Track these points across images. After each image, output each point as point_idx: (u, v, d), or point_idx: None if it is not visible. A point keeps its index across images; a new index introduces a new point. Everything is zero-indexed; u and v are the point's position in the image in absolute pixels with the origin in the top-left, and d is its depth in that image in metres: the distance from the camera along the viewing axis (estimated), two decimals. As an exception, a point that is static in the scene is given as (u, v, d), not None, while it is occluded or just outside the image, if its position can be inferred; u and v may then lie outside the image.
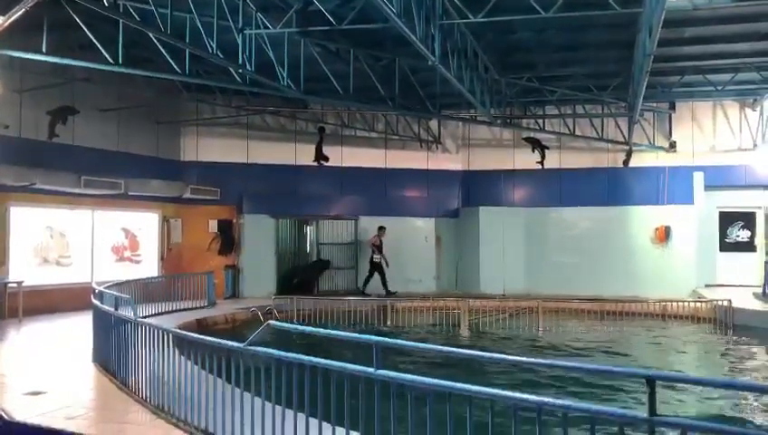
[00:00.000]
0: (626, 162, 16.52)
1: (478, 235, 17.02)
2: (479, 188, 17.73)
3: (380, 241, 15.85)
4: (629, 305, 13.26)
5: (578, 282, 16.31)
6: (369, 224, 16.88)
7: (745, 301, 13.43)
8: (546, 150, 16.71)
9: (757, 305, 12.90)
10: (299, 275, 16.06)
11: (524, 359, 3.68)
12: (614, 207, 16.66)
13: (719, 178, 16.15)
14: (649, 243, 16.24)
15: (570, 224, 17.02)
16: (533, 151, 16.75)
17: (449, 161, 17.95)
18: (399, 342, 4.17)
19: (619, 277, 16.08)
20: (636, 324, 12.67)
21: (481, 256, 16.93)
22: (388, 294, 15.33)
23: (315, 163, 16.27)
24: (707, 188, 16.21)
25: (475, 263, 16.96)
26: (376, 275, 15.65)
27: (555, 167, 17.17)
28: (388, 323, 12.81)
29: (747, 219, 16.71)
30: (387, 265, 15.64)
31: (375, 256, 15.76)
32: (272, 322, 4.80)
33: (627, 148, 16.42)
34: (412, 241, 17.02)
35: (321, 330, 4.66)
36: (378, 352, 3.92)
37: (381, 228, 16.00)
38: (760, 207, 16.58)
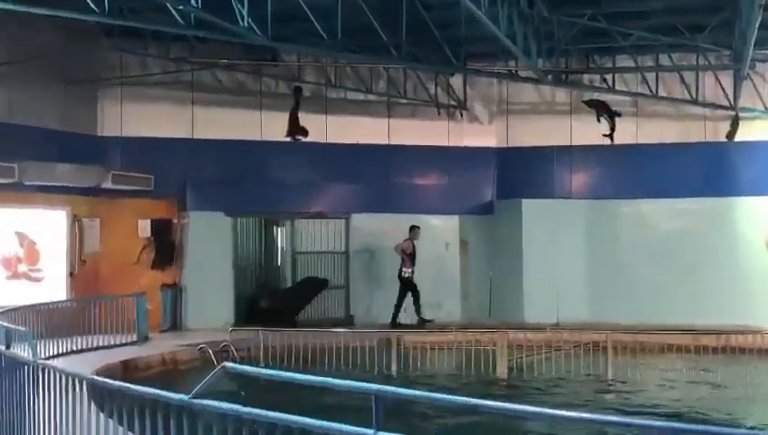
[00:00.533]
0: (731, 135, 16.50)
1: (521, 239, 17.06)
2: (521, 174, 17.76)
3: (413, 247, 16.08)
4: (739, 339, 13.06)
5: (663, 306, 16.31)
6: (365, 224, 16.99)
7: None
8: (617, 118, 16.75)
9: None
10: (276, 299, 16.18)
11: (586, 415, 3.74)
12: (714, 198, 16.69)
13: None
14: (763, 247, 16.24)
15: (651, 223, 17.05)
16: (599, 120, 16.81)
17: (479, 135, 18.01)
18: (409, 392, 4.27)
19: (723, 298, 16.06)
20: (751, 367, 12.32)
21: (525, 268, 16.99)
22: (422, 323, 15.53)
23: (289, 139, 16.35)
24: None
25: (517, 279, 16.98)
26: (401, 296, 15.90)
27: (630, 142, 17.19)
28: (394, 366, 12.87)
29: None
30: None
31: (404, 270, 16.04)
32: (228, 364, 4.79)
33: (732, 114, 16.41)
34: (427, 249, 16.99)
35: (299, 375, 4.69)
36: (379, 405, 3.99)
37: (414, 229, 16.24)
38: None
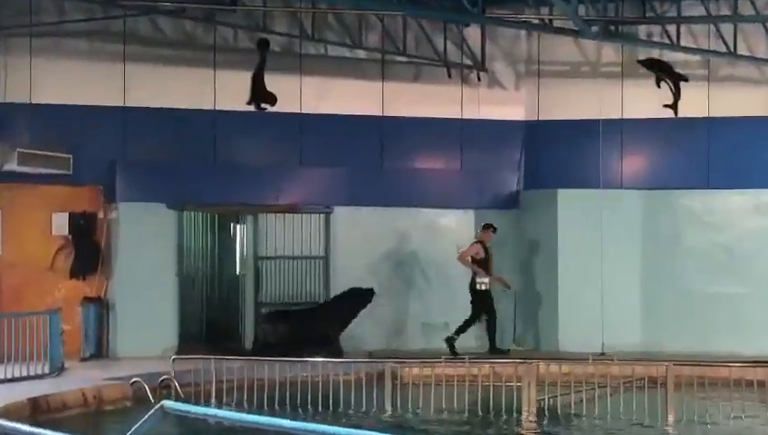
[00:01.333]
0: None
1: (555, 242, 17.21)
2: (557, 156, 17.84)
3: (486, 250, 16.32)
4: None
5: (745, 330, 16.39)
6: (350, 221, 17.04)
7: None
8: (682, 84, 16.78)
9: None
10: (301, 322, 16.19)
11: None
12: None
13: None
14: None
15: (726, 221, 17.08)
16: (658, 86, 16.84)
17: (502, 105, 18.06)
18: None
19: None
20: None
21: (561, 280, 17.13)
22: (493, 350, 15.77)
23: (252, 107, 16.35)
24: None
25: (550, 294, 17.06)
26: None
27: (699, 115, 17.25)
28: (388, 406, 12.87)
29: None
30: (507, 286, 16.51)
31: (480, 281, 16.26)
32: (168, 403, 4.85)
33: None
34: (433, 252, 17.14)
35: (258, 418, 4.70)
36: None
37: (488, 228, 16.54)
38: None
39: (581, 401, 12.83)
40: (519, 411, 12.47)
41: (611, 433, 12.06)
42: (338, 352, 15.62)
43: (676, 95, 16.75)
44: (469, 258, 16.36)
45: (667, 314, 16.97)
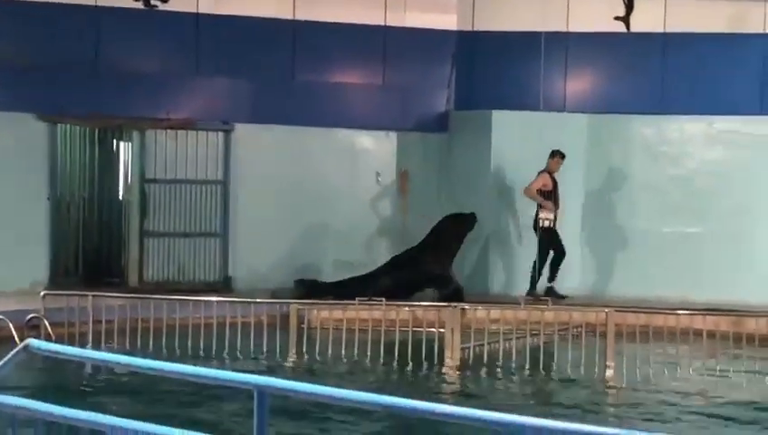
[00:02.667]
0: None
1: (488, 170, 17.34)
2: (492, 71, 17.89)
3: (554, 182, 16.43)
4: None
5: (695, 274, 16.63)
6: (254, 140, 17.00)
7: None
8: (636, -6, 16.87)
9: None
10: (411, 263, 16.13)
11: (568, 426, 3.85)
12: None
13: None
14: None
15: (684, 152, 17.29)
16: (609, -6, 16.95)
17: (431, 12, 17.97)
18: (307, 386, 4.60)
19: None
20: None
21: (493, 215, 17.14)
22: (554, 296, 15.61)
23: (140, 3, 16.27)
24: None
25: (482, 229, 17.08)
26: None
27: (655, 30, 17.35)
28: (293, 352, 12.96)
29: None
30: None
31: (543, 217, 16.32)
32: (33, 342, 4.82)
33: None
34: (349, 182, 17.34)
35: (144, 361, 4.69)
36: (263, 404, 4.27)
37: (555, 154, 16.54)
38: None
39: (510, 350, 12.99)
40: (441, 361, 12.62)
41: (542, 386, 12.23)
42: (457, 291, 15.71)
43: (629, 7, 16.87)
44: (536, 191, 16.29)
45: (611, 256, 17.21)
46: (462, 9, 18.06)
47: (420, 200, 17.76)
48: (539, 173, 16.39)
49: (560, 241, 16.39)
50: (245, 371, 11.26)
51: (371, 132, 17.69)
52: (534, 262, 16.33)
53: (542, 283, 16.31)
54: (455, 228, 16.46)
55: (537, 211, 16.35)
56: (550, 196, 16.32)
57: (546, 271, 16.39)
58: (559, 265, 16.36)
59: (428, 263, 16.20)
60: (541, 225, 16.30)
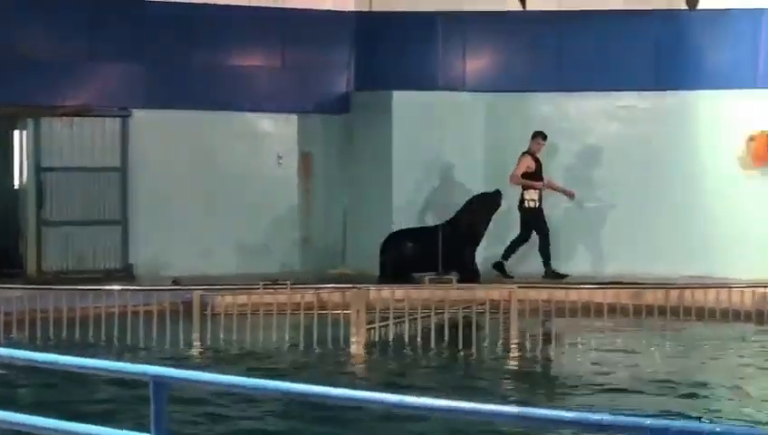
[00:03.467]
0: (692, 1, 16.80)
1: (390, 151, 17.32)
2: (392, 52, 17.82)
3: (537, 163, 16.41)
4: (696, 295, 13.68)
5: (593, 248, 16.84)
6: (152, 125, 16.84)
7: None
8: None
9: None
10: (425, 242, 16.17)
11: (467, 405, 3.81)
12: (668, 92, 17.17)
13: None
14: (737, 167, 16.79)
15: (583, 128, 17.41)
16: (505, -27, 16.95)
17: None
18: (207, 376, 4.60)
19: (675, 238, 16.62)
20: (708, 335, 13.11)
21: (395, 195, 17.29)
22: (554, 276, 15.85)
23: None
24: None
25: (384, 209, 17.20)
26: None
27: (551, 8, 17.35)
28: (196, 340, 12.84)
29: None
30: (571, 195, 16.60)
31: (528, 198, 16.38)
32: None
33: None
34: (251, 165, 17.24)
35: (40, 355, 4.85)
36: (160, 396, 4.20)
37: (537, 135, 16.55)
38: None
39: (417, 329, 13.03)
40: (347, 342, 12.59)
41: (448, 362, 12.26)
42: (474, 273, 15.76)
43: (526, -15, 16.82)
44: (520, 175, 16.26)
45: (513, 233, 17.10)
46: (361, -11, 18.03)
47: (323, 182, 17.81)
48: (521, 155, 16.38)
49: (544, 222, 16.43)
50: (148, 360, 11.24)
51: (272, 115, 17.62)
52: (539, 241, 16.33)
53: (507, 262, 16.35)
54: (481, 209, 16.44)
55: (522, 192, 16.35)
56: (533, 177, 16.35)
57: (520, 251, 16.46)
58: (547, 246, 16.35)
59: (452, 239, 16.11)
60: (526, 205, 16.35)
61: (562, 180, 17.19)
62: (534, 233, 16.44)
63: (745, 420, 9.38)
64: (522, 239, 16.47)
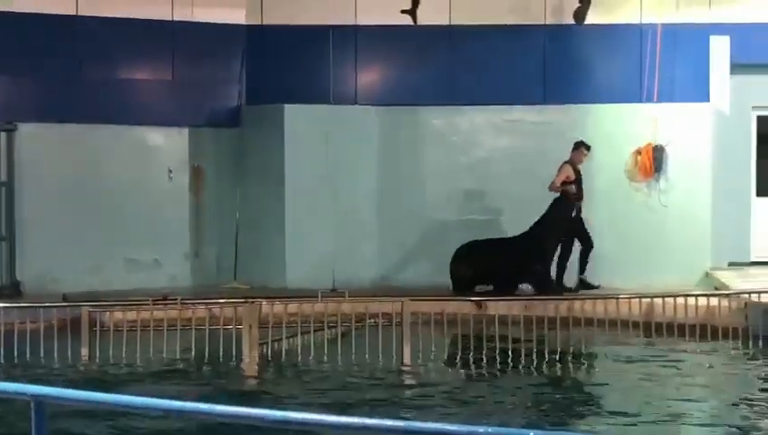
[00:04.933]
0: (580, 14, 16.95)
1: (282, 165, 17.27)
2: (283, 65, 17.75)
3: (578, 174, 16.00)
4: (580, 305, 13.86)
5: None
6: (39, 140, 16.57)
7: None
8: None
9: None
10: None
11: (354, 420, 3.84)
12: (556, 106, 17.35)
13: (760, 50, 17.08)
14: (623, 179, 17.04)
15: (473, 141, 17.49)
16: (395, -12, 16.97)
17: (219, 5, 17.84)
18: (85, 395, 4.53)
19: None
20: (591, 344, 13.32)
21: (288, 209, 17.27)
22: (586, 287, 15.70)
23: None
24: (737, 68, 17.11)
25: (277, 224, 17.19)
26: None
27: (442, 23, 17.44)
28: (85, 356, 12.68)
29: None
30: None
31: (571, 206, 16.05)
32: None
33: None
34: (141, 179, 17.09)
35: None
36: (40, 415, 4.28)
37: (580, 146, 16.18)
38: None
39: (309, 342, 13.07)
40: (239, 356, 12.59)
41: (341, 376, 12.26)
42: (549, 284, 15.73)
43: (415, 0, 16.79)
44: (559, 185, 15.94)
45: (407, 245, 17.34)
46: (250, 3, 17.88)
47: (215, 196, 17.68)
48: (562, 164, 16.11)
49: (586, 232, 16.22)
50: (35, 378, 10.97)
51: (163, 129, 17.41)
52: (581, 252, 16.20)
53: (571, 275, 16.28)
54: (559, 221, 16.12)
55: (560, 202, 16.05)
56: (576, 186, 16.12)
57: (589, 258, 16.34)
58: (588, 254, 16.25)
59: (527, 252, 15.98)
60: (562, 211, 16.07)
61: (452, 193, 17.30)
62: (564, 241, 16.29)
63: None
64: (587, 248, 16.24)
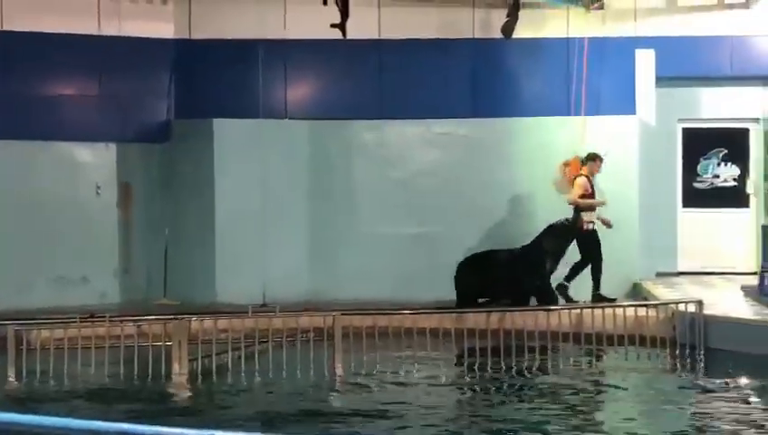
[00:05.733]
0: (507, 29, 16.99)
1: (212, 180, 17.24)
2: (212, 79, 17.73)
3: (591, 185, 15.99)
4: (516, 318, 14.03)
5: (415, 275, 16.82)
6: None
7: (729, 303, 14.45)
8: (351, 1, 16.79)
9: (748, 312, 13.88)
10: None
11: None
12: (484, 119, 17.39)
13: (684, 63, 17.36)
14: (551, 191, 17.04)
15: (403, 155, 17.50)
16: (325, 3, 16.75)
17: (147, 19, 17.65)
18: (8, 417, 4.34)
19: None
20: (519, 356, 13.32)
21: (218, 224, 17.24)
22: (601, 300, 15.50)
23: None
24: (662, 81, 17.34)
25: (207, 238, 17.15)
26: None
27: (370, 36, 17.49)
28: (11, 376, 12.56)
29: (734, 143, 18.11)
30: (609, 224, 16.06)
31: (587, 220, 15.89)
32: None
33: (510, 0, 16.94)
34: (68, 196, 16.92)
35: None
36: None
37: (595, 158, 16.13)
38: (757, 120, 18.02)
39: (240, 358, 13.08)
40: (169, 374, 12.56)
41: (272, 391, 12.24)
42: (553, 300, 15.55)
43: (344, 14, 16.77)
44: (577, 198, 15.85)
45: (338, 259, 17.28)
46: (178, 17, 17.79)
47: (144, 212, 17.57)
48: (577, 177, 16.05)
49: (599, 246, 16.07)
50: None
51: (90, 144, 17.23)
52: (593, 265, 16.03)
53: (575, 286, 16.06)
54: (558, 237, 16.03)
55: (578, 215, 15.97)
56: (591, 198, 16.08)
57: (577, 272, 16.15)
58: (599, 266, 16.07)
59: (527, 266, 15.92)
60: (585, 227, 15.97)
61: (383, 206, 17.30)
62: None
63: None
64: (593, 263, 16.10)
